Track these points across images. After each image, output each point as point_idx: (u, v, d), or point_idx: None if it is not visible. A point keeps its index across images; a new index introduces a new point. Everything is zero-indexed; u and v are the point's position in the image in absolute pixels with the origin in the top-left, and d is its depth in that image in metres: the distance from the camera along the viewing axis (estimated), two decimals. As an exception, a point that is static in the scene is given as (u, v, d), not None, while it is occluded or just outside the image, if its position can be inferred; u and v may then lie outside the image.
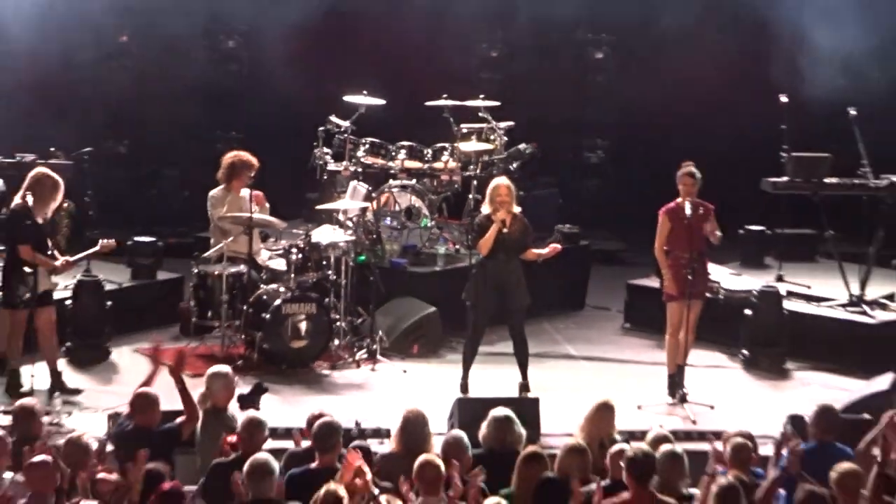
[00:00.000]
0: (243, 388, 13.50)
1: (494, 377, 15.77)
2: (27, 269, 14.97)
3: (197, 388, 12.74)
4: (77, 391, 15.34)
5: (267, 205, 16.86)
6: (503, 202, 15.24)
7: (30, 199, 14.93)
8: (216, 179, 16.81)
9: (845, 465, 11.18)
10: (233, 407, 12.77)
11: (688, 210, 15.20)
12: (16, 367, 15.14)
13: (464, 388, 15.36)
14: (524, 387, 15.39)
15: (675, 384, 15.44)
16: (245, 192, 16.54)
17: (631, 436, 12.80)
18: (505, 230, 15.22)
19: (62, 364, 15.77)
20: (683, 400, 15.28)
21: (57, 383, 15.29)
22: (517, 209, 15.39)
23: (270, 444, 12.51)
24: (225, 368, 13.03)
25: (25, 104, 19.10)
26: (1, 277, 15.42)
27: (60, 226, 17.53)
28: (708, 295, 15.95)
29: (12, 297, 15.15)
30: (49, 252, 15.13)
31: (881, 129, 18.05)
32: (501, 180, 15.59)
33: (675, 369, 15.50)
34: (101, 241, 15.49)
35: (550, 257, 15.62)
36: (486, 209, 15.41)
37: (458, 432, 12.01)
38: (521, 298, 15.42)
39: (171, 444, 12.12)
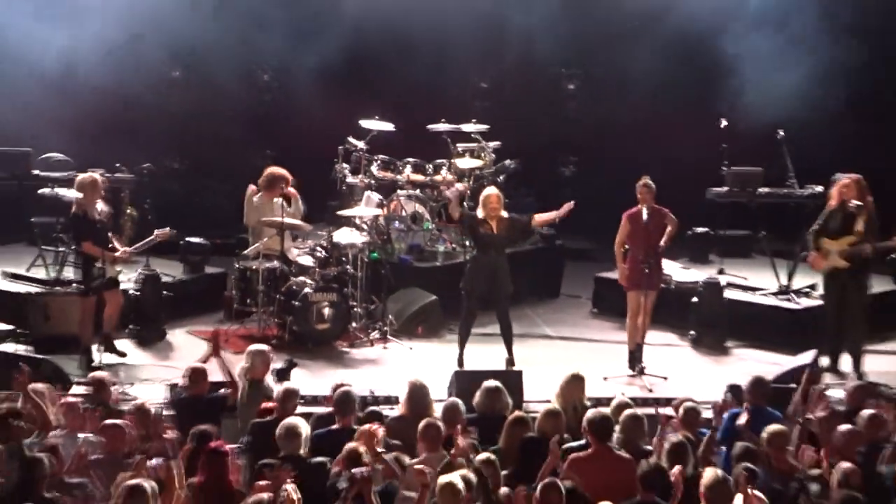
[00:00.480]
0: (277, 363, 13.50)
1: (485, 354, 15.79)
2: (95, 263, 15.11)
3: (238, 363, 12.79)
4: (123, 354, 15.48)
5: (300, 199, 16.94)
6: (494, 208, 15.32)
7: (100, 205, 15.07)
8: (256, 185, 16.86)
9: (773, 427, 11.26)
10: (268, 379, 12.83)
11: (645, 215, 15.29)
12: (88, 346, 15.23)
13: (460, 362, 15.41)
14: (510, 361, 15.44)
15: (635, 359, 15.51)
16: (278, 201, 16.58)
17: (598, 402, 12.83)
18: (494, 231, 15.31)
19: (126, 342, 15.87)
20: (641, 372, 15.34)
21: (108, 345, 15.39)
22: (504, 213, 15.47)
23: (300, 409, 12.59)
24: (263, 347, 13.15)
25: (96, 129, 19.09)
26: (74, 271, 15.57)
27: (125, 229, 17.62)
28: (662, 285, 16.03)
29: (83, 286, 15.24)
30: (110, 245, 15.22)
31: (804, 147, 18.08)
32: (492, 190, 15.70)
33: (634, 346, 15.57)
34: (156, 231, 15.60)
35: (565, 215, 15.67)
36: (480, 213, 15.48)
37: (456, 399, 12.11)
38: (506, 287, 15.48)
39: (218, 409, 12.20)
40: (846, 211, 15.38)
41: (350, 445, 10.46)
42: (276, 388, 12.23)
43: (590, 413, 11.19)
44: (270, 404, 11.94)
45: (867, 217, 15.33)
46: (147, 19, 19.10)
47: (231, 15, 20.03)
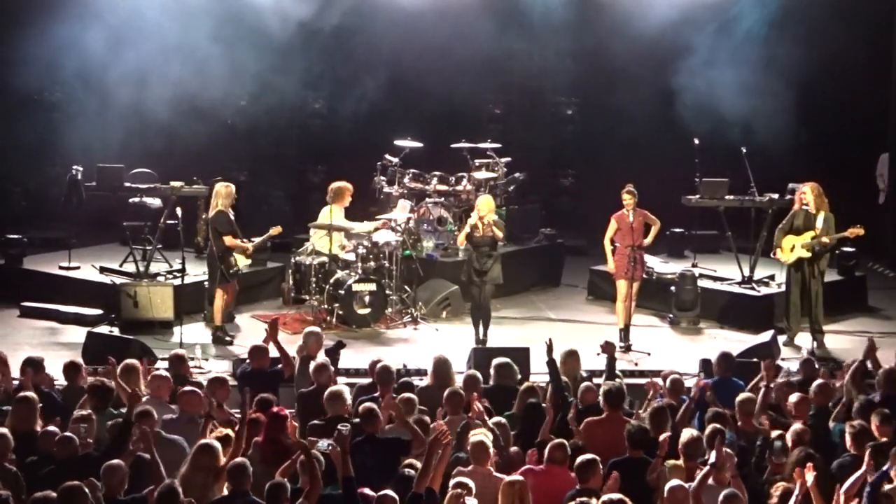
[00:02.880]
0: (328, 343, 13.40)
1: (499, 334, 15.71)
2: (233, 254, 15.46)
3: (296, 342, 12.71)
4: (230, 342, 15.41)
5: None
6: (482, 213, 15.18)
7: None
8: (325, 200, 16.99)
9: (742, 395, 11.21)
10: (321, 355, 12.65)
11: (630, 216, 15.26)
12: (223, 325, 15.49)
13: (477, 340, 15.27)
14: (481, 342, 15.22)
15: (625, 335, 15.44)
16: (332, 208, 16.59)
17: (592, 374, 12.78)
18: (479, 233, 15.14)
19: (200, 324, 15.86)
20: (629, 349, 15.24)
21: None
22: (493, 216, 15.30)
23: (346, 379, 12.55)
24: (316, 329, 13.06)
25: (176, 149, 19.05)
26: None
27: (200, 231, 17.59)
28: (644, 276, 15.97)
29: (227, 274, 15.46)
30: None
31: (762, 162, 17.96)
32: (483, 198, 15.63)
33: (623, 325, 15.48)
34: (271, 229, 15.77)
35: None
36: (473, 217, 15.37)
37: (475, 372, 12.01)
38: (493, 276, 15.27)
39: (275, 381, 12.11)
40: (807, 212, 15.43)
41: (365, 405, 10.44)
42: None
43: (605, 385, 11.17)
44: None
45: (825, 216, 15.40)
46: (216, 61, 18.99)
47: (288, 60, 19.90)
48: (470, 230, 15.26)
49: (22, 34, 19.09)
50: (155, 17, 18.91)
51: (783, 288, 16.29)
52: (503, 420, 10.57)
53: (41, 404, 10.54)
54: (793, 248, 15.48)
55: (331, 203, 16.77)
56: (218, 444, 9.52)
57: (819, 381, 11.76)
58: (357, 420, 10.38)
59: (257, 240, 15.84)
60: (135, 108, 18.83)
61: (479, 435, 9.77)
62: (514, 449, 10.35)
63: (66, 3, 18.55)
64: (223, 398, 11.16)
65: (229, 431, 10.01)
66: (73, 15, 18.41)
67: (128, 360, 11.80)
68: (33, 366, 11.62)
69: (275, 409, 10.44)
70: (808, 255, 15.38)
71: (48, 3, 18.85)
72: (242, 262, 16.02)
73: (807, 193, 15.48)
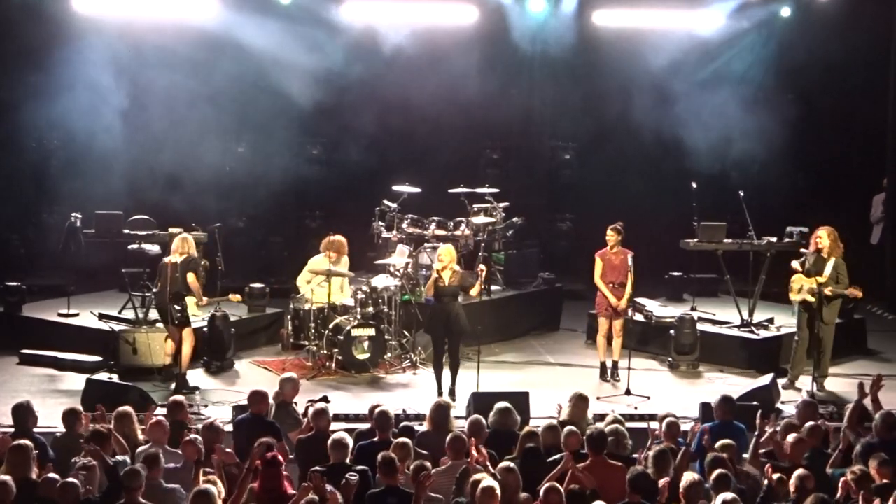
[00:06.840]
0: (312, 392, 13.32)
1: (499, 378, 15.71)
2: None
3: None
4: (196, 388, 15.19)
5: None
6: (443, 262, 15.09)
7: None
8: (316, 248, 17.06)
9: (722, 441, 11.08)
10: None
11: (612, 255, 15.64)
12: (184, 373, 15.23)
13: (439, 392, 15.04)
14: (451, 392, 15.04)
15: (605, 371, 15.79)
16: (330, 256, 16.63)
17: (597, 417, 12.77)
18: (446, 284, 15.01)
19: (200, 371, 15.82)
20: (628, 392, 15.20)
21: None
22: (455, 267, 15.16)
23: (344, 425, 12.50)
24: (293, 375, 13.10)
25: (174, 195, 19.03)
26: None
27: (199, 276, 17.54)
28: (643, 319, 16.18)
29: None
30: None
31: (760, 206, 18.01)
32: (444, 247, 15.48)
33: (603, 359, 15.81)
34: (231, 295, 15.56)
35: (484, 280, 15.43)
36: (436, 265, 15.27)
37: (478, 417, 11.93)
38: (460, 328, 15.05)
39: (274, 429, 11.97)
40: (819, 255, 15.46)
41: (384, 453, 10.37)
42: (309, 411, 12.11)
43: (588, 430, 11.15)
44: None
45: (836, 262, 15.42)
46: (214, 108, 19.10)
47: (286, 106, 19.95)
48: (435, 280, 15.09)
49: (21, 81, 19.19)
50: (153, 65, 19.05)
51: (783, 331, 16.30)
52: (512, 465, 10.45)
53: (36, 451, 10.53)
54: (801, 288, 15.53)
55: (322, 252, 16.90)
56: (214, 490, 9.49)
57: (810, 423, 11.70)
58: (362, 468, 10.38)
59: (211, 299, 15.56)
60: (133, 155, 18.93)
61: (488, 480, 9.72)
62: (523, 496, 10.22)
63: (65, 52, 18.64)
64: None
65: (213, 477, 9.98)
66: (72, 63, 18.51)
67: (121, 408, 11.76)
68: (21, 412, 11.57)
69: (269, 454, 10.37)
70: (812, 299, 15.39)
71: (47, 51, 18.95)
72: (192, 309, 15.68)
73: (822, 238, 15.51)
